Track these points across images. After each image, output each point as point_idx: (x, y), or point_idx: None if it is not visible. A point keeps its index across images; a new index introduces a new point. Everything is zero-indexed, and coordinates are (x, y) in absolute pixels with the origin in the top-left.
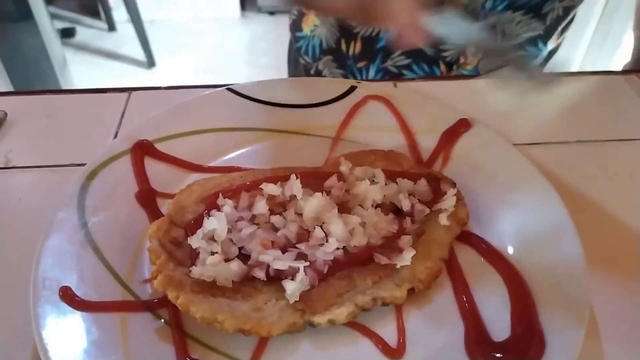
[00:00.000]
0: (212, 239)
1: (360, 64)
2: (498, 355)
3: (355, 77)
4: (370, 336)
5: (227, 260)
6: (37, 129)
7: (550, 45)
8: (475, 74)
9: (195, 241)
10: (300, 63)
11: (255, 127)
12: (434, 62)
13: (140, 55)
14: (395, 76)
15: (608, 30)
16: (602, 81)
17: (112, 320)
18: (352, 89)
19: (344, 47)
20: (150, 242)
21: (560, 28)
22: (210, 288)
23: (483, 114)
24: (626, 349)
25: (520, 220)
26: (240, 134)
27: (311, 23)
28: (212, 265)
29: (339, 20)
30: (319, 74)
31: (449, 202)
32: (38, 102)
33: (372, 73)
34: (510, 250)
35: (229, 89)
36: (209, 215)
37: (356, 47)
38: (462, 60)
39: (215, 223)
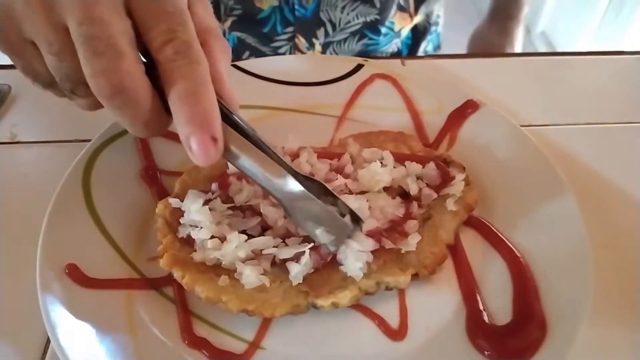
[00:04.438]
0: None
1: None
2: (499, 339)
3: None
4: (373, 318)
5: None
6: (41, 103)
7: (402, 25)
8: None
9: (182, 231)
10: None
11: (259, 105)
12: None
13: None
14: None
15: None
16: (613, 62)
17: (118, 297)
18: (359, 67)
19: None
20: (157, 220)
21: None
22: (215, 268)
23: (492, 94)
24: (627, 335)
25: (525, 204)
26: (244, 112)
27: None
28: (213, 249)
29: None
30: None
31: (457, 187)
32: None
33: None
34: (514, 234)
35: (234, 65)
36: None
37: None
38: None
39: (195, 213)
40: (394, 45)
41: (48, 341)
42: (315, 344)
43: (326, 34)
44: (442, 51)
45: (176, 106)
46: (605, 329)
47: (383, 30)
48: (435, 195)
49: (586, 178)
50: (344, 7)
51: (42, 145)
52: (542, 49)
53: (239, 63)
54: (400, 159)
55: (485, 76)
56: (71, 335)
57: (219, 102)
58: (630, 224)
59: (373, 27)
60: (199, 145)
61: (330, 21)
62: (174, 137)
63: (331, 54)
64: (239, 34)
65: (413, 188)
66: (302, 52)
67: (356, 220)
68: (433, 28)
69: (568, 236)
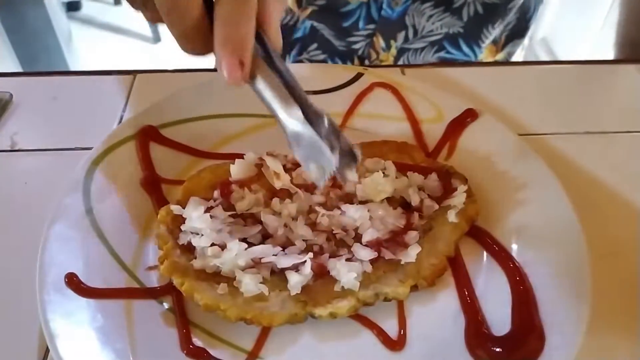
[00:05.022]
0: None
1: None
2: (498, 349)
3: None
4: (372, 328)
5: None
6: (42, 111)
7: (487, 55)
8: (393, 65)
9: (183, 238)
10: None
11: (260, 113)
12: (347, 56)
13: (146, 30)
14: None
15: None
16: (612, 70)
17: (117, 307)
18: (359, 75)
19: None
20: (159, 227)
21: (500, 34)
22: (214, 276)
23: (491, 102)
24: (627, 345)
25: (524, 214)
26: (245, 120)
27: None
28: (213, 257)
29: None
30: None
31: (458, 198)
32: (43, 83)
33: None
34: (513, 244)
35: None
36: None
37: None
38: (373, 55)
39: (196, 220)
40: None
41: (47, 351)
42: (314, 355)
43: (406, 38)
44: None
45: (217, 27)
46: (604, 339)
47: (464, 47)
48: (436, 207)
49: (585, 187)
50: (431, 16)
51: (43, 154)
52: (543, 55)
53: None
54: (402, 169)
55: (485, 85)
56: (70, 345)
57: (262, 38)
58: (630, 234)
59: (454, 40)
60: (227, 67)
61: (414, 26)
62: (174, 146)
63: (403, 62)
64: (315, 23)
65: (414, 199)
66: (377, 52)
67: (353, 157)
68: None
69: (567, 246)
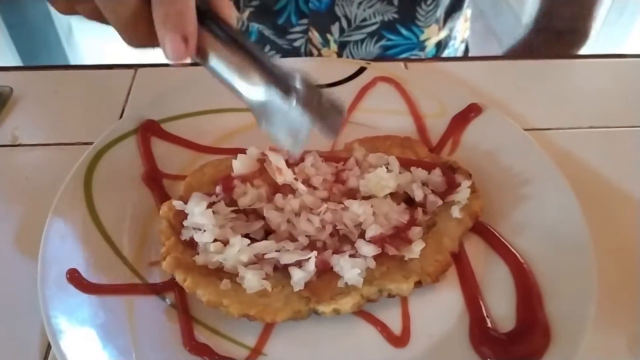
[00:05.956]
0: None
1: None
2: (502, 346)
3: None
4: (375, 324)
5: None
6: (43, 106)
7: (429, 35)
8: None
9: (185, 233)
10: None
11: None
12: (294, 55)
13: None
14: None
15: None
16: (616, 65)
17: (119, 302)
18: (362, 70)
19: None
20: (161, 222)
21: (432, 13)
22: (217, 272)
23: (495, 97)
24: (632, 342)
25: (529, 209)
26: (247, 115)
27: None
28: (216, 253)
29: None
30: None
31: (462, 194)
32: (44, 77)
33: None
34: (517, 239)
35: None
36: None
37: None
38: (314, 52)
39: (198, 216)
40: (418, 57)
41: (49, 347)
42: (317, 351)
43: (341, 31)
44: None
45: (155, 7)
46: (609, 335)
47: (403, 31)
48: (440, 202)
49: (590, 182)
50: (360, 3)
51: (44, 148)
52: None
53: None
54: (406, 165)
55: (489, 79)
56: (72, 341)
57: (215, 15)
58: (635, 229)
59: (391, 26)
60: (170, 42)
61: (346, 17)
62: (176, 141)
63: (348, 56)
64: (257, 25)
65: (418, 194)
66: (317, 48)
67: (337, 111)
68: (451, 42)
69: (572, 242)
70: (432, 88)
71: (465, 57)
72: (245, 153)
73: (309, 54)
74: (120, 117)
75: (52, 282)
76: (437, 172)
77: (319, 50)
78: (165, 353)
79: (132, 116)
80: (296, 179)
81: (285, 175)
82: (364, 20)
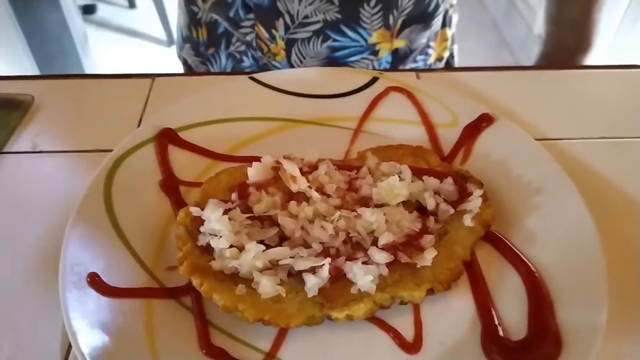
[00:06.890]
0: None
1: (211, 50)
2: (514, 354)
3: (210, 65)
4: (388, 330)
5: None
6: (63, 114)
7: (380, 40)
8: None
9: (202, 239)
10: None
11: (276, 116)
12: (250, 48)
13: (160, 33)
14: (239, 61)
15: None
16: (628, 76)
17: (137, 305)
18: (374, 79)
19: (194, 33)
20: (178, 228)
21: (395, 19)
22: (233, 277)
23: (507, 107)
24: None
25: (540, 218)
26: (261, 124)
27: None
28: (231, 258)
29: (187, 4)
30: (185, 63)
31: (474, 203)
32: (64, 86)
33: (223, 59)
34: (529, 248)
35: (251, 78)
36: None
37: (203, 33)
38: (264, 47)
39: (215, 222)
40: (370, 63)
41: (69, 348)
42: (330, 356)
43: (286, 27)
44: (459, 61)
45: None
46: (621, 344)
47: (349, 32)
48: (452, 211)
49: (601, 192)
50: (301, 0)
51: (64, 155)
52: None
53: (256, 76)
54: (418, 173)
55: (501, 89)
56: (91, 343)
57: None
58: None
59: (335, 27)
60: None
61: (289, 12)
62: (192, 149)
63: (297, 55)
64: (216, 17)
65: (430, 203)
66: (265, 43)
67: None
68: (420, 57)
69: (583, 251)
70: (444, 98)
71: (477, 67)
72: (260, 161)
73: (258, 48)
74: (139, 125)
75: (72, 285)
76: (449, 181)
77: (268, 46)
78: (182, 356)
79: (150, 124)
80: (310, 187)
81: (299, 183)
82: (307, 17)
